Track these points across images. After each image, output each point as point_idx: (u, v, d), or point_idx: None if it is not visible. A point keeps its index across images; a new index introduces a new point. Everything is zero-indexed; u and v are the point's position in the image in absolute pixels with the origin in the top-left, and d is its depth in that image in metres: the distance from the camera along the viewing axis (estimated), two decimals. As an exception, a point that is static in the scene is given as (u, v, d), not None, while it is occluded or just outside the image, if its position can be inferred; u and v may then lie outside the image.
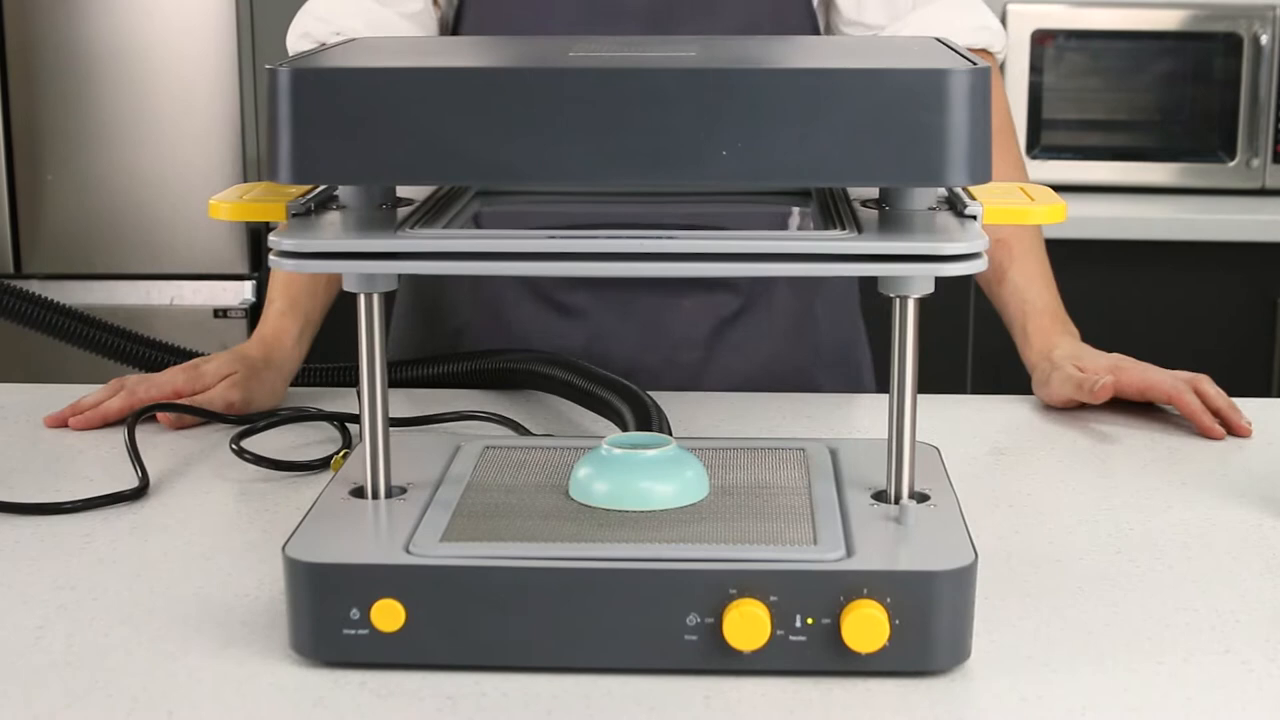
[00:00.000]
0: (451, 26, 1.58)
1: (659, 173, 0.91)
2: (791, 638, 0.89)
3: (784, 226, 1.09)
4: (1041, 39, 3.18)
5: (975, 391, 3.00)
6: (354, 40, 1.16)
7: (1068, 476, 1.28)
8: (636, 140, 0.90)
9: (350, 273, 0.97)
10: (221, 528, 1.17)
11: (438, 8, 1.57)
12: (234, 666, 0.93)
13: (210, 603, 1.02)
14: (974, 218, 0.95)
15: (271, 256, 0.94)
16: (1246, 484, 1.25)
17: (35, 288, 1.77)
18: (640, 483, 0.98)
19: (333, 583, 0.91)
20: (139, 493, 1.21)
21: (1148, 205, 3.11)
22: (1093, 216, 2.99)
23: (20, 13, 2.86)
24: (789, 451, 1.09)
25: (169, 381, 1.40)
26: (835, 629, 0.89)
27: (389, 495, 1.01)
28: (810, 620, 0.89)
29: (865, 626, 0.88)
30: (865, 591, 0.89)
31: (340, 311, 1.37)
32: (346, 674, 0.91)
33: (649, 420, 1.27)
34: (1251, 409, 1.40)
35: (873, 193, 1.02)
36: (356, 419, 1.04)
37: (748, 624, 0.89)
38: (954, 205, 0.98)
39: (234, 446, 1.27)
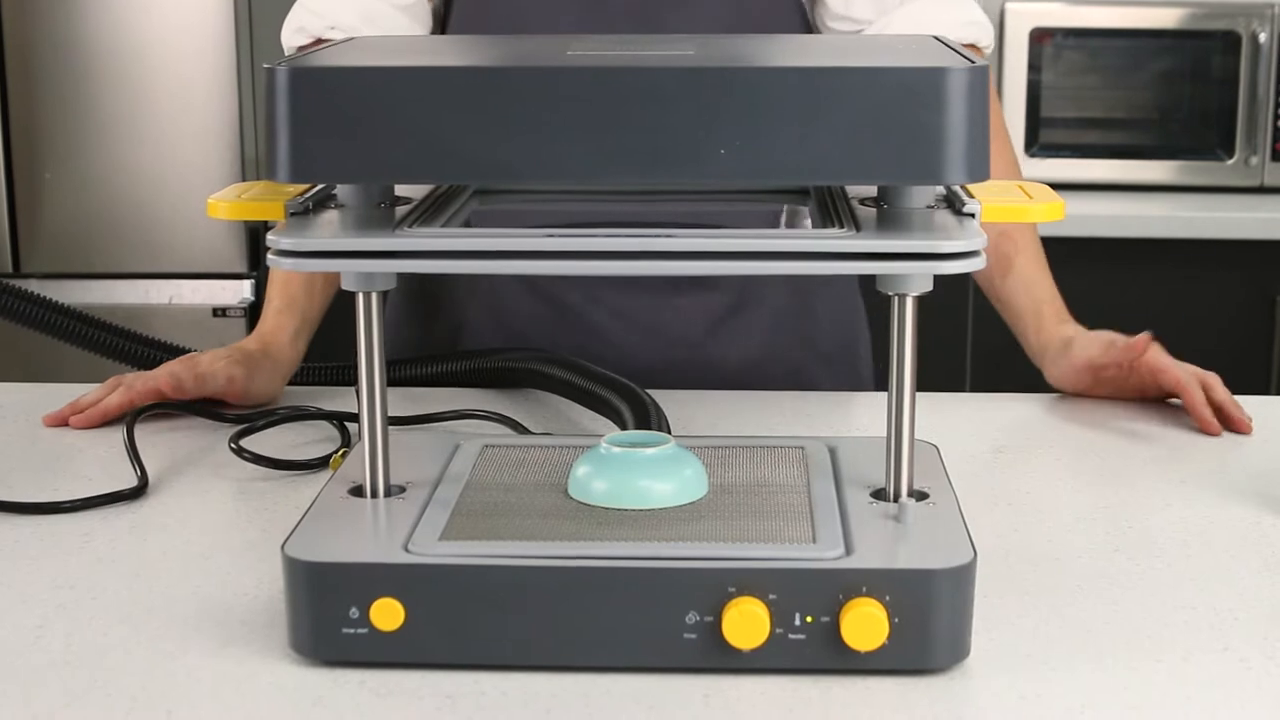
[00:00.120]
0: (442, 16, 1.57)
1: (657, 172, 0.91)
2: (791, 636, 0.89)
3: (782, 225, 1.09)
4: (1040, 37, 3.18)
5: (974, 390, 3.00)
6: (352, 39, 1.16)
7: (1067, 475, 1.28)
8: (635, 139, 0.90)
9: (348, 271, 0.97)
10: (220, 527, 1.17)
11: None
12: (233, 666, 0.93)
13: (209, 602, 1.02)
14: (972, 216, 0.95)
15: (270, 255, 0.94)
16: (1245, 482, 1.25)
17: (34, 287, 1.76)
18: (639, 481, 0.98)
19: (332, 582, 0.90)
20: (138, 492, 1.21)
21: (1146, 203, 3.11)
22: (1091, 214, 2.99)
23: (19, 12, 2.86)
24: (788, 450, 1.09)
25: (165, 369, 1.40)
26: (834, 627, 0.89)
27: (388, 494, 1.01)
28: (809, 618, 0.89)
29: (864, 625, 0.88)
30: (864, 590, 0.89)
31: (339, 310, 1.37)
32: (346, 673, 0.91)
33: (648, 419, 1.27)
34: (1251, 407, 1.40)
35: (871, 191, 1.01)
36: (355, 418, 1.04)
37: (747, 622, 0.88)
38: (952, 203, 0.98)
39: (233, 445, 1.27)
